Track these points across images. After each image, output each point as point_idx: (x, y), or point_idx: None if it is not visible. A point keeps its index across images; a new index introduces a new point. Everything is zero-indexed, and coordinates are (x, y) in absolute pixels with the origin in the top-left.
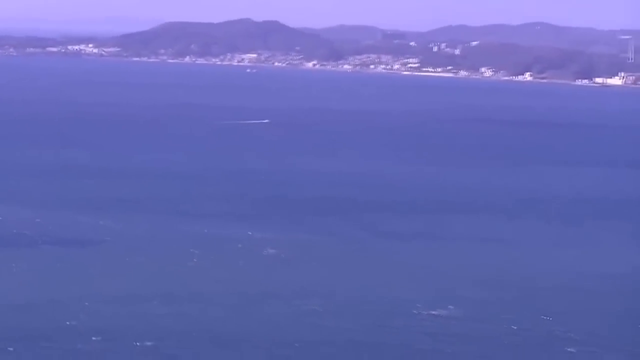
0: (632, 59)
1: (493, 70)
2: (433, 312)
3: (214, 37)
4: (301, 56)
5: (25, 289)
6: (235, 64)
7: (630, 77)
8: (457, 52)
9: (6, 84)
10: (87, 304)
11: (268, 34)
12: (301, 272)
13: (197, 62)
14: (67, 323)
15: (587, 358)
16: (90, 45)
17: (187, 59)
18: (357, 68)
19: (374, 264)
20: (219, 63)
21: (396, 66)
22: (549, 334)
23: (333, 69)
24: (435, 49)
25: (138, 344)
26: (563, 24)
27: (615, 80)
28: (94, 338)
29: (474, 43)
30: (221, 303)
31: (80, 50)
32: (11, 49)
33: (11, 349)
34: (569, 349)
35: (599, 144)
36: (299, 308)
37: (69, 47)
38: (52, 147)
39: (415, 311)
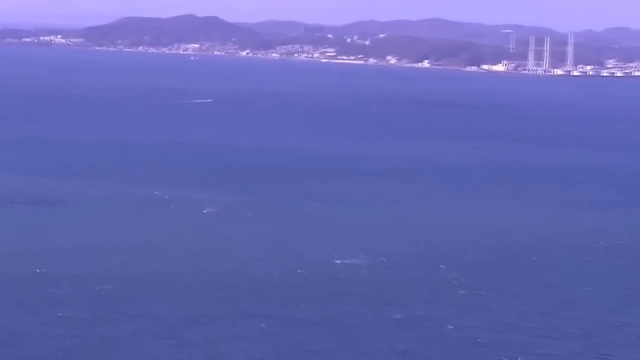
0: (513, 49)
1: (397, 58)
2: (346, 261)
3: (163, 29)
4: (236, 46)
5: None
6: (181, 52)
7: (512, 65)
8: (367, 43)
9: None
10: (55, 254)
11: (208, 27)
12: (235, 227)
13: (149, 51)
14: (38, 271)
15: (473, 299)
16: (59, 37)
17: (140, 48)
18: (284, 56)
19: (298, 221)
20: (167, 52)
21: (316, 55)
22: (443, 280)
23: (263, 57)
24: (348, 40)
25: (98, 288)
26: (456, 19)
27: (499, 67)
28: (63, 282)
29: (381, 35)
30: (169, 253)
31: (51, 40)
32: None
33: None
34: (460, 292)
35: (479, 121)
36: (234, 257)
37: (41, 38)
38: (19, 122)
39: (331, 260)
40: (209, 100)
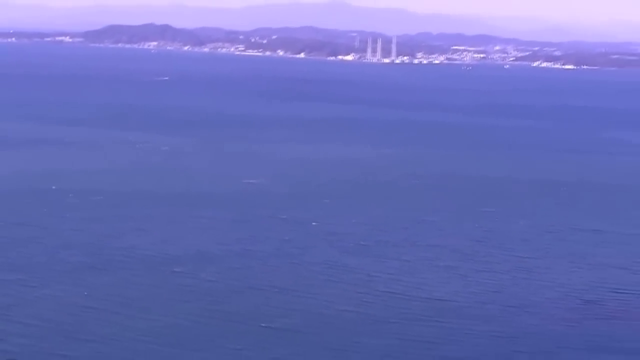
0: (357, 46)
1: (284, 51)
2: (251, 181)
3: (134, 32)
4: (181, 44)
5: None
6: (145, 47)
7: (357, 56)
8: (265, 41)
9: None
10: (62, 177)
11: (164, 31)
12: (182, 159)
13: (125, 47)
14: (54, 187)
15: (333, 206)
16: (68, 37)
17: (119, 45)
18: (212, 50)
19: (221, 155)
20: (136, 47)
21: (232, 49)
22: (313, 193)
23: (198, 51)
24: (253, 40)
25: (93, 198)
26: (322, 26)
27: (349, 57)
28: (69, 195)
29: (274, 37)
30: (140, 175)
31: (62, 40)
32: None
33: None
34: (324, 201)
35: (332, 91)
36: (184, 177)
37: (56, 38)
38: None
39: (241, 181)
40: (166, 78)
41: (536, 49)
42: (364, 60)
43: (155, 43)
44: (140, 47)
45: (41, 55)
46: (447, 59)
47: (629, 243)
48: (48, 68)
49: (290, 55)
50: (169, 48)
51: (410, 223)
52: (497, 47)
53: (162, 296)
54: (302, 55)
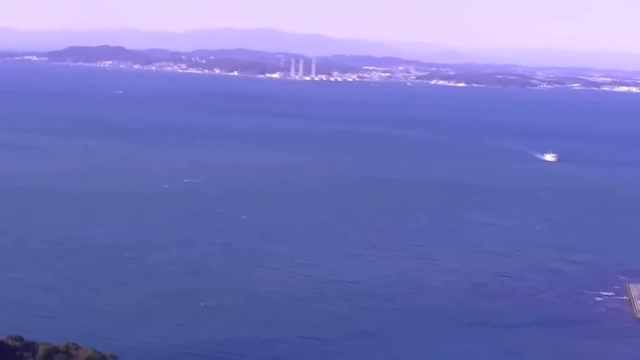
0: (282, 65)
1: (220, 70)
2: (190, 180)
3: (92, 53)
4: (132, 63)
5: None
6: (102, 66)
7: (282, 74)
8: (204, 61)
9: None
10: (46, 176)
11: (117, 52)
12: (130, 161)
13: (84, 65)
14: (21, 185)
15: (259, 203)
16: (34, 57)
17: (79, 63)
18: (159, 69)
19: (163, 157)
20: (94, 66)
21: (175, 67)
22: (244, 191)
23: (147, 69)
24: (194, 59)
25: (56, 195)
26: (253, 49)
27: (275, 75)
28: (36, 193)
29: (212, 57)
30: (100, 173)
31: (30, 59)
32: None
33: None
34: (252, 198)
35: (259, 104)
36: (129, 177)
37: (25, 57)
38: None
39: (182, 181)
40: (120, 92)
41: (434, 69)
42: (288, 78)
43: (110, 62)
44: (97, 65)
45: (10, 72)
46: (359, 77)
47: (509, 234)
48: (17, 85)
49: (225, 73)
50: (121, 66)
51: (326, 217)
52: (401, 68)
53: (113, 279)
54: (235, 73)
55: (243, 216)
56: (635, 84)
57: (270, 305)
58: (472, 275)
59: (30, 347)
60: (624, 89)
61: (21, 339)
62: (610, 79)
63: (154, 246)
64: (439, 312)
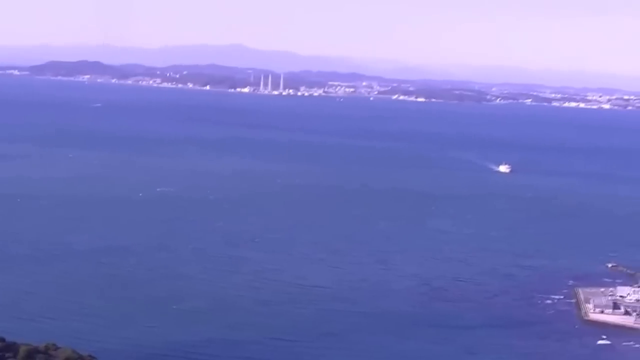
0: (252, 80)
1: (193, 84)
2: (163, 189)
3: (71, 67)
4: (110, 77)
5: None
6: (80, 80)
7: (252, 88)
8: (177, 76)
9: None
10: (36, 181)
11: (94, 67)
12: (110, 170)
13: (63, 79)
14: (3, 192)
15: (227, 205)
16: (16, 71)
17: (59, 77)
18: (134, 82)
19: (140, 167)
20: (73, 80)
21: (151, 82)
22: (210, 199)
23: (124, 83)
24: (168, 74)
25: (37, 202)
26: (224, 64)
27: (245, 90)
28: (17, 199)
29: (185, 72)
30: (69, 180)
31: (12, 73)
32: None
33: None
34: (224, 206)
35: (233, 117)
36: (107, 184)
37: (7, 71)
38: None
39: (156, 189)
40: (99, 104)
41: (395, 85)
42: (257, 92)
43: (88, 76)
44: (76, 79)
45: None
46: (324, 92)
47: (466, 240)
48: (1, 96)
49: (198, 88)
50: (99, 80)
51: (294, 223)
52: (364, 83)
53: (91, 283)
54: (207, 87)
55: (216, 224)
56: (584, 100)
57: (241, 308)
58: (431, 280)
59: (12, 347)
60: (573, 104)
61: (3, 340)
62: (560, 95)
63: (129, 252)
64: (401, 315)
